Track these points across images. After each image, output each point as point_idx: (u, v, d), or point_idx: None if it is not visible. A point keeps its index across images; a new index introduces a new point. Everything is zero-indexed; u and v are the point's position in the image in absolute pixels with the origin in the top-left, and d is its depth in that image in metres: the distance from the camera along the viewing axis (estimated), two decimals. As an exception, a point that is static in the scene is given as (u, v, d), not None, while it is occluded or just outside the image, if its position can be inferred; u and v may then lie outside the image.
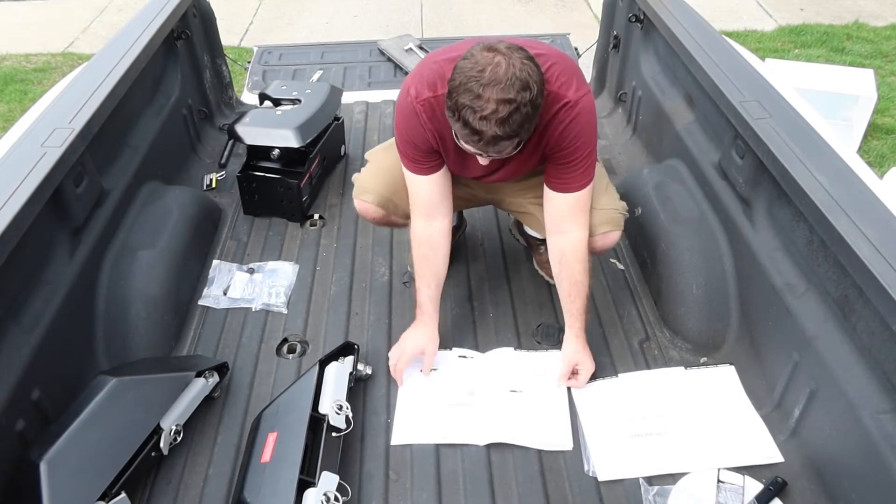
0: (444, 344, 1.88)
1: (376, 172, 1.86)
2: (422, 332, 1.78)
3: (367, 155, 1.95)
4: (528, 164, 1.65)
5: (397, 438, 1.62)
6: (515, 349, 1.85)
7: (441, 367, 1.80)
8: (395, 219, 1.90)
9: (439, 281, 1.80)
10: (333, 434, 1.55)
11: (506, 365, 1.81)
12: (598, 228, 1.74)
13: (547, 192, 1.67)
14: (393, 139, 1.83)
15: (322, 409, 1.57)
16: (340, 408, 1.59)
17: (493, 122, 1.32)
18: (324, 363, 1.68)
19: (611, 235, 1.77)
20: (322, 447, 1.50)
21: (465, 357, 1.84)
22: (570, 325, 1.77)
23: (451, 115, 1.39)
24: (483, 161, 1.52)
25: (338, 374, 1.66)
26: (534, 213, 1.82)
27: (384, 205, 1.84)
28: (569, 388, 1.75)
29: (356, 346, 1.78)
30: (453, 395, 1.72)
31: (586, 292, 1.74)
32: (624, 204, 1.83)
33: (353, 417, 1.61)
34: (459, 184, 1.82)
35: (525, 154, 1.58)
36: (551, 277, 1.86)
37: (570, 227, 1.69)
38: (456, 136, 1.46)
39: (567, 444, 1.61)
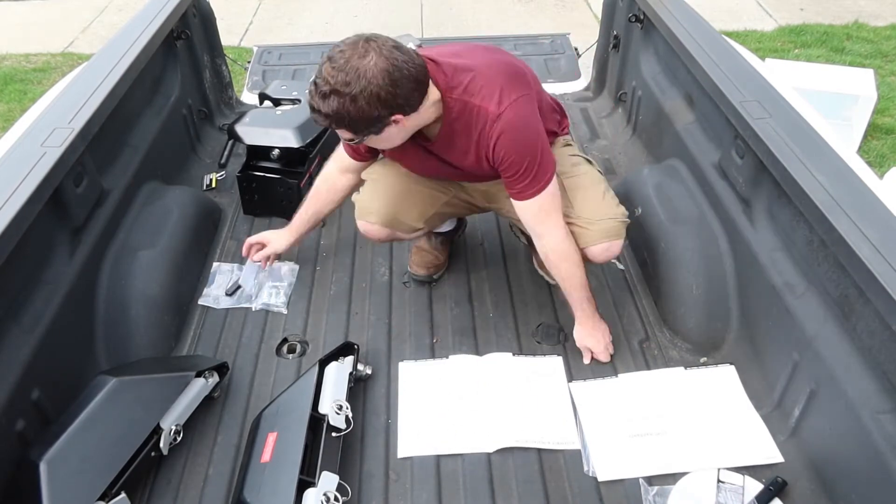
0: (444, 350, 1.88)
1: (375, 190, 1.84)
2: (279, 232, 2.06)
3: (363, 175, 1.89)
4: (478, 168, 1.66)
5: (404, 451, 1.61)
6: (514, 355, 1.84)
7: (441, 376, 1.79)
8: (400, 234, 1.90)
9: (318, 216, 2.00)
10: (333, 434, 1.55)
11: (505, 370, 1.80)
12: (597, 242, 1.74)
13: (511, 200, 1.69)
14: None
15: (322, 409, 1.57)
16: (340, 408, 1.59)
17: (316, 94, 1.42)
18: (324, 363, 1.68)
19: (611, 247, 1.77)
20: (322, 447, 1.50)
21: (463, 363, 1.83)
22: (575, 315, 1.85)
23: None
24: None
25: (338, 374, 1.66)
26: None
27: (389, 223, 1.84)
28: (569, 389, 1.75)
29: (356, 346, 1.78)
30: (456, 404, 1.71)
31: (581, 282, 1.77)
32: (623, 210, 1.81)
33: (352, 417, 1.61)
34: (457, 189, 1.89)
35: (468, 157, 1.64)
36: (551, 277, 1.87)
37: (542, 230, 1.70)
38: None
39: (574, 442, 1.61)
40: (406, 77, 1.41)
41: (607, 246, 1.75)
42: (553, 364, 1.81)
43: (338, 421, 1.57)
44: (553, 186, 1.64)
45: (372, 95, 1.38)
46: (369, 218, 1.84)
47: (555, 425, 1.65)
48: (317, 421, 1.55)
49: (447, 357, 1.84)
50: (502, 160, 1.58)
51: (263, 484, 1.42)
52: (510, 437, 1.62)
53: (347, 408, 1.60)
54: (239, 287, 2.06)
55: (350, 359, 1.74)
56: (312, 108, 1.45)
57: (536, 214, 1.67)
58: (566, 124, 1.88)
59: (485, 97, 1.53)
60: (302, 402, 1.56)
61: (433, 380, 1.78)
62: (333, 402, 1.59)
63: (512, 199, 1.67)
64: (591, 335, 1.83)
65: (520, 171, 1.59)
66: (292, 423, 1.52)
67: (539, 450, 1.60)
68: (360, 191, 1.89)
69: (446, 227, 2.10)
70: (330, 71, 1.38)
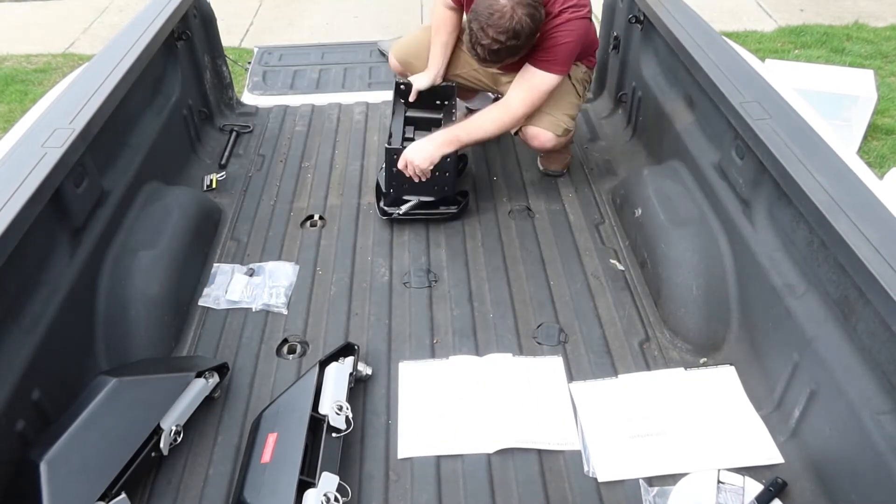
0: (444, 351, 1.88)
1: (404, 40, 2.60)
2: (421, 74, 2.46)
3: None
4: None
5: (404, 451, 1.61)
6: (514, 355, 1.84)
7: (441, 376, 1.79)
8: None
9: (447, 47, 2.43)
10: (333, 435, 1.55)
11: (505, 370, 1.80)
12: (535, 124, 2.26)
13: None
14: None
15: (322, 410, 1.57)
16: (340, 408, 1.59)
17: (485, 51, 1.98)
18: (324, 364, 1.68)
19: (542, 135, 2.27)
20: (322, 448, 1.50)
21: (463, 364, 1.82)
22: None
23: (465, 30, 2.09)
24: None
25: (338, 375, 1.66)
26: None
27: (404, 63, 2.55)
28: (569, 389, 1.75)
29: (356, 347, 1.78)
30: (456, 404, 1.71)
31: (469, 129, 2.18)
32: (568, 119, 2.30)
33: (353, 418, 1.61)
34: (468, 65, 2.46)
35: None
36: (550, 168, 2.54)
37: (517, 98, 2.16)
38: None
39: (574, 443, 1.61)
40: None
41: (538, 132, 2.26)
42: (553, 364, 1.81)
43: (338, 421, 1.57)
44: (555, 80, 2.13)
45: (528, 37, 1.98)
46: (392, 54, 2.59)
47: (555, 426, 1.65)
48: (317, 421, 1.55)
49: (447, 357, 1.84)
50: (546, 43, 2.07)
51: (263, 484, 1.42)
52: (510, 437, 1.62)
53: (348, 408, 1.60)
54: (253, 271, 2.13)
55: (350, 359, 1.74)
56: (481, 60, 2.05)
57: (521, 76, 2.15)
58: (592, 60, 2.44)
59: (562, 6, 2.07)
60: (302, 403, 1.56)
61: (433, 380, 1.78)
62: (334, 403, 1.59)
63: (527, 65, 2.14)
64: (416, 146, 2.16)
65: (549, 52, 2.08)
66: (292, 423, 1.52)
67: (539, 451, 1.60)
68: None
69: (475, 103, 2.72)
70: (491, 30, 1.92)
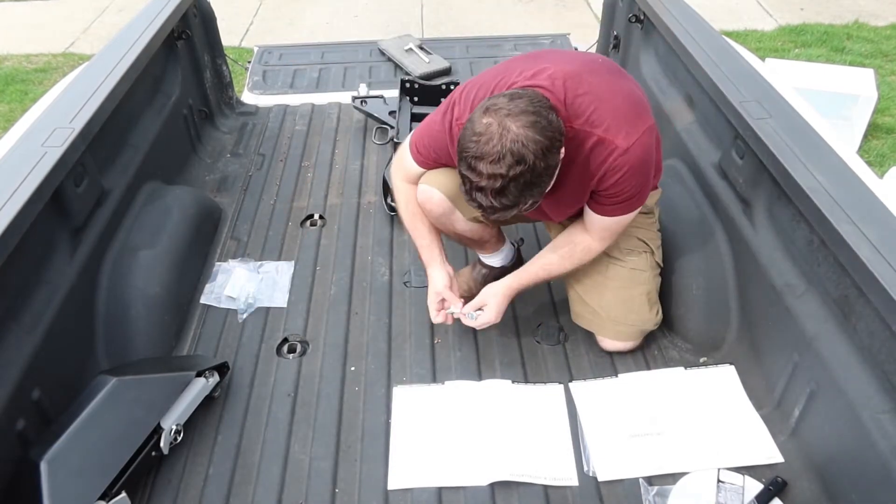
0: (444, 350, 1.86)
1: (442, 172, 1.71)
2: (436, 276, 1.79)
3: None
4: (574, 205, 1.64)
5: (395, 482, 1.54)
6: (513, 382, 1.77)
7: (436, 404, 1.73)
8: (458, 219, 1.77)
9: (435, 230, 1.81)
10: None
11: (503, 399, 1.73)
12: (607, 337, 1.83)
13: (585, 210, 1.65)
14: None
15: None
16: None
17: (489, 194, 1.33)
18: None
19: (618, 346, 1.83)
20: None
21: (459, 390, 1.76)
22: (508, 277, 1.77)
23: (460, 179, 1.41)
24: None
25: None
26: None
27: (454, 197, 1.70)
28: (568, 389, 1.74)
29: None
30: (450, 433, 1.65)
31: (547, 276, 1.75)
32: (651, 316, 1.81)
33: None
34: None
35: (568, 191, 1.56)
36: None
37: (593, 239, 1.67)
38: None
39: (572, 479, 1.54)
40: (549, 111, 1.35)
41: (614, 344, 1.83)
42: (553, 394, 1.74)
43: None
44: (633, 214, 1.62)
45: (540, 157, 1.31)
46: (435, 185, 1.71)
47: (552, 460, 1.58)
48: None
49: (443, 383, 1.79)
50: (609, 188, 1.52)
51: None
52: (505, 470, 1.55)
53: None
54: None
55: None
56: (490, 210, 1.37)
57: (602, 228, 1.65)
58: (659, 176, 1.77)
59: (609, 128, 1.45)
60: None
61: (428, 408, 1.71)
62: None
63: (587, 205, 1.62)
64: (498, 297, 1.74)
65: (620, 199, 1.55)
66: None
67: (545, 486, 1.53)
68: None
69: (497, 260, 2.00)
70: (484, 164, 1.30)
